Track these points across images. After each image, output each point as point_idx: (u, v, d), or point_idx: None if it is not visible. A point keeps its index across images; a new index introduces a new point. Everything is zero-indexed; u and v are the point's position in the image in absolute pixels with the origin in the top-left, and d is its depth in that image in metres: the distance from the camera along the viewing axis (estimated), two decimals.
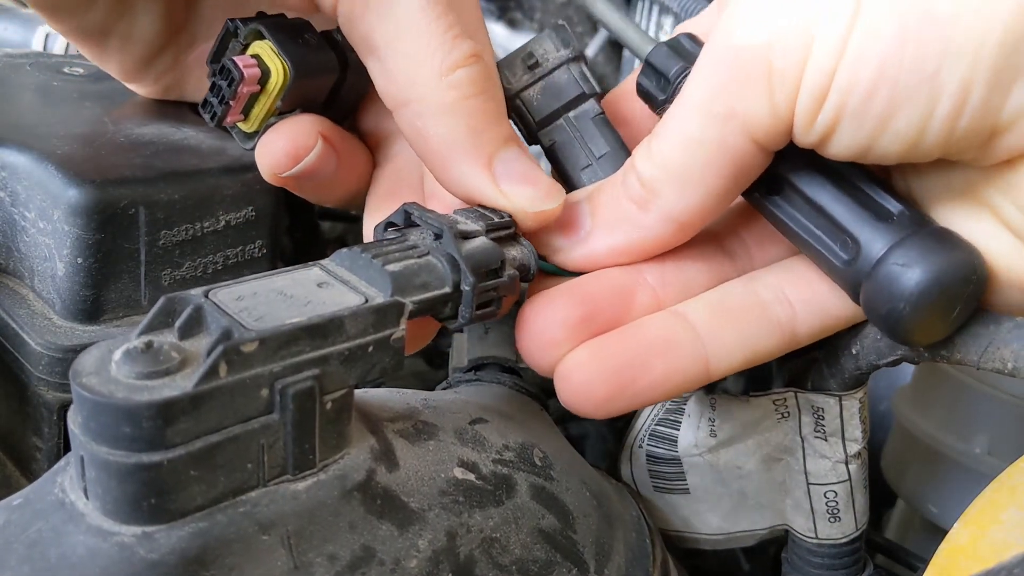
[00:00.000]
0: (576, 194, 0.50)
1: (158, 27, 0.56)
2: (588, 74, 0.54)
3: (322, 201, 0.58)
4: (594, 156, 0.53)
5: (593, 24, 0.96)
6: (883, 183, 0.44)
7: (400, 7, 0.46)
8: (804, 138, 0.42)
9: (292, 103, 0.53)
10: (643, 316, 0.47)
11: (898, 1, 0.39)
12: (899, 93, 0.39)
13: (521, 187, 0.47)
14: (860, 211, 0.43)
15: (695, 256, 0.49)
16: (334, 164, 0.53)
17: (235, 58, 0.50)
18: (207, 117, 0.53)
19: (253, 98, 0.52)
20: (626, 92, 0.56)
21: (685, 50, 0.50)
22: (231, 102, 0.51)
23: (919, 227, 0.42)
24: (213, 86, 0.52)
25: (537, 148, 0.55)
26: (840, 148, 0.42)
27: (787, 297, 0.48)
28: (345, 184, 0.55)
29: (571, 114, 0.54)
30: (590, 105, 0.54)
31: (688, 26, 0.54)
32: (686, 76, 0.49)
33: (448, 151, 0.47)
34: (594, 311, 0.46)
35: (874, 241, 0.42)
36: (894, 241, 0.42)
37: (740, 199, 0.47)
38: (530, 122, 0.54)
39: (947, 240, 0.41)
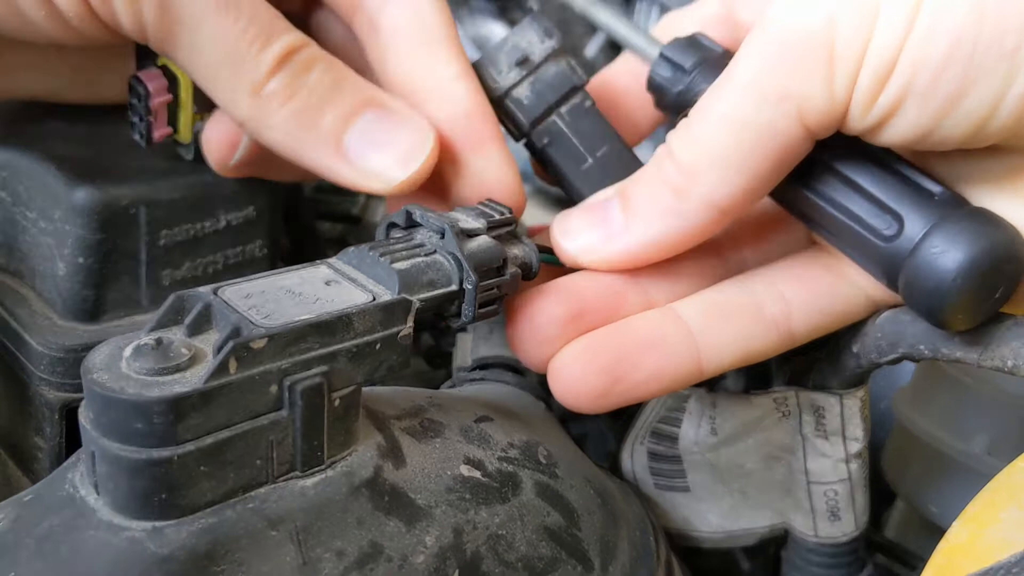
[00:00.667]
0: (604, 192, 0.49)
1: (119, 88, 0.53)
2: (574, 63, 0.52)
3: (308, 177, 0.56)
4: (593, 153, 0.52)
5: (593, 24, 0.96)
6: (916, 166, 0.44)
7: (201, 32, 0.45)
8: (859, 123, 0.41)
9: (209, 106, 0.50)
10: (634, 314, 0.47)
11: None
12: (973, 70, 0.38)
13: (375, 156, 0.47)
14: (903, 189, 0.43)
15: (687, 256, 0.48)
16: None
17: (139, 73, 0.49)
18: (137, 138, 0.51)
19: (173, 108, 0.51)
20: (608, 80, 0.55)
21: (702, 45, 0.50)
22: (150, 117, 0.50)
23: (960, 207, 0.42)
24: (131, 105, 0.51)
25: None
26: (898, 132, 0.40)
27: (783, 295, 0.47)
28: None
29: (563, 109, 0.52)
30: (581, 97, 0.52)
31: (676, 16, 0.54)
32: (703, 68, 0.49)
33: (294, 150, 0.47)
34: (584, 308, 0.46)
35: (918, 219, 0.42)
36: (937, 219, 0.41)
37: None
38: (522, 123, 0.52)
39: (989, 220, 0.41)
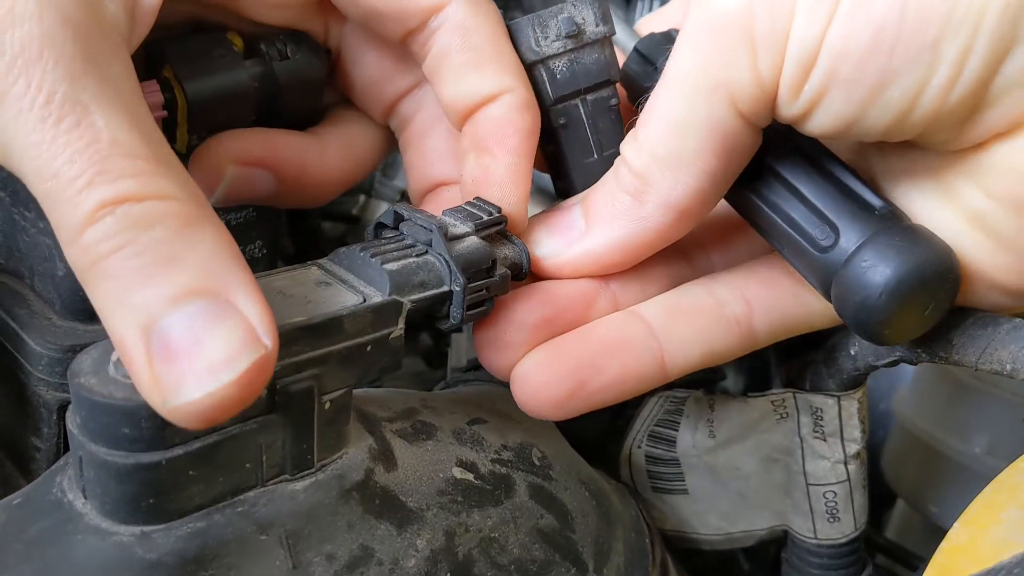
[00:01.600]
0: (568, 201, 0.49)
1: None
2: (615, 58, 0.50)
3: (305, 204, 0.55)
4: (601, 151, 0.51)
5: None
6: (863, 180, 0.44)
7: (15, 151, 0.35)
8: (788, 109, 0.41)
9: (206, 127, 0.49)
10: (602, 316, 0.47)
11: None
12: (896, 61, 0.38)
13: (171, 367, 0.32)
14: (843, 200, 0.43)
15: (655, 260, 0.48)
16: (269, 180, 0.50)
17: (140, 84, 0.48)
18: None
19: (169, 125, 0.49)
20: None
21: (674, 40, 0.49)
22: None
23: (897, 222, 0.42)
24: None
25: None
26: (824, 120, 0.41)
27: (745, 297, 0.47)
28: (316, 186, 0.52)
29: (590, 97, 0.50)
30: (610, 92, 0.51)
31: (651, 19, 0.54)
32: None
33: (102, 313, 0.34)
34: (556, 313, 0.46)
35: (852, 231, 0.42)
36: (871, 233, 0.41)
37: None
38: (547, 95, 0.50)
39: (922, 237, 0.41)
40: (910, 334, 0.43)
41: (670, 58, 0.43)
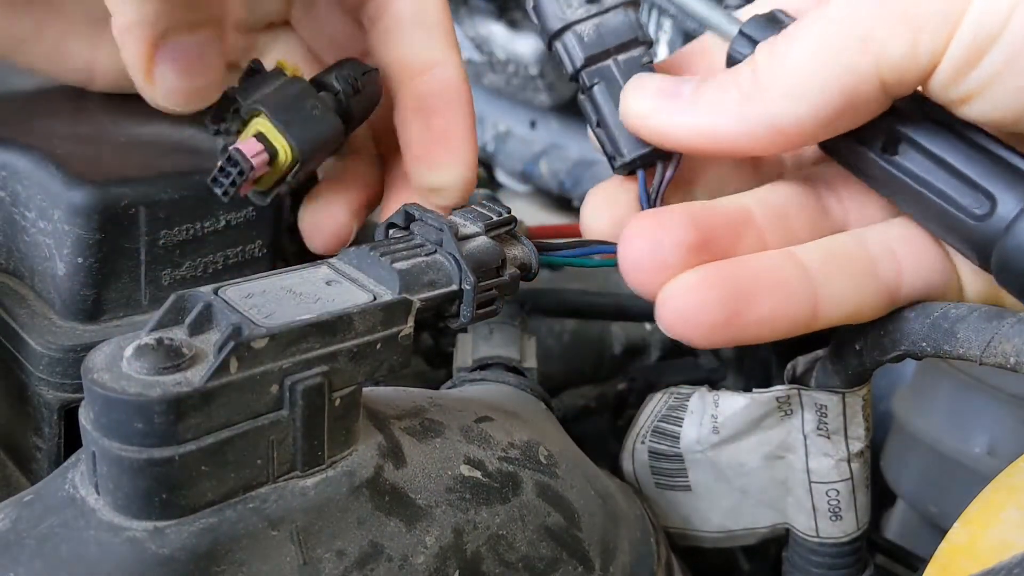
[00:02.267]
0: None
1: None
2: (640, 23, 0.51)
3: None
4: None
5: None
6: (1008, 145, 0.43)
7: None
8: (946, 91, 0.40)
9: (304, 171, 0.52)
10: (749, 253, 0.45)
11: None
12: None
13: (173, 76, 0.48)
14: (994, 167, 0.42)
15: (797, 204, 0.47)
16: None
17: (241, 147, 0.48)
18: (219, 192, 0.50)
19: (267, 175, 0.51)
20: (674, 64, 0.54)
21: (781, 21, 0.48)
22: (243, 184, 0.50)
23: None
24: (222, 169, 0.50)
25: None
26: (989, 108, 0.39)
27: (896, 255, 0.46)
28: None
29: (621, 57, 0.51)
30: (641, 52, 0.51)
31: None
32: None
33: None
34: (709, 238, 0.44)
35: (1011, 198, 0.41)
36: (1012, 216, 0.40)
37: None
38: (578, 56, 0.50)
39: None
40: None
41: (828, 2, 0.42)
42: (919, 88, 0.42)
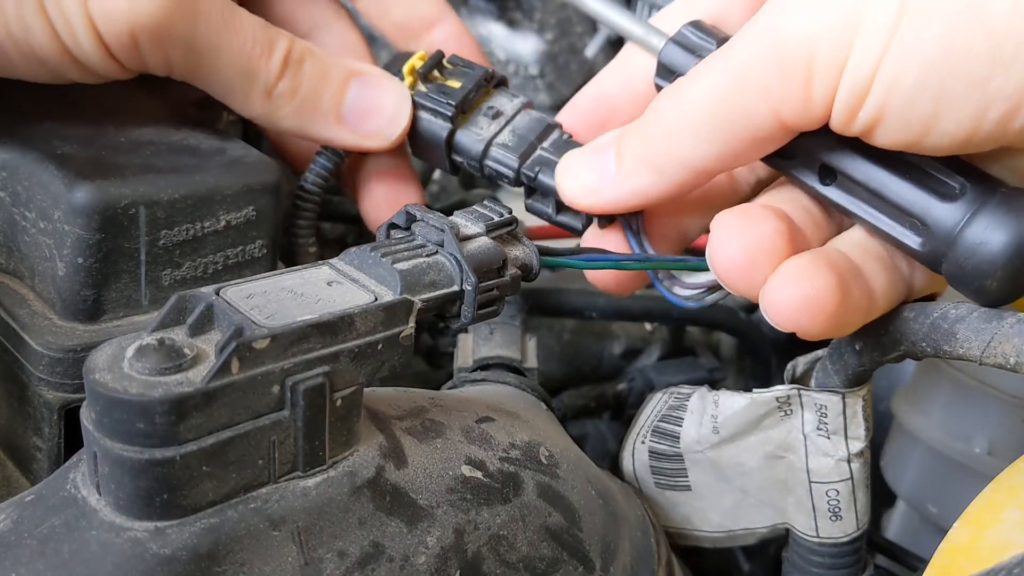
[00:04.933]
0: (606, 135, 0.51)
1: None
2: (542, 114, 0.58)
3: None
4: None
5: (593, 24, 0.96)
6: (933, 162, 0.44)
7: (219, 58, 0.52)
8: (845, 128, 0.42)
9: None
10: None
11: (947, 1, 0.39)
12: (945, 97, 0.39)
13: (370, 121, 0.56)
14: (921, 193, 0.44)
15: (807, 204, 0.49)
16: None
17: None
18: None
19: None
20: (574, 109, 0.58)
21: (694, 43, 0.50)
22: None
23: (987, 197, 0.42)
24: None
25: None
26: (886, 139, 0.42)
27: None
28: None
29: (545, 144, 0.56)
30: (559, 133, 0.57)
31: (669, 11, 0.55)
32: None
33: (305, 130, 0.57)
34: (793, 228, 0.46)
35: (944, 221, 0.43)
36: (964, 219, 0.42)
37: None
38: (512, 161, 0.56)
39: (1016, 205, 0.42)
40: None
41: (731, 42, 0.44)
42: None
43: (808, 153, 0.46)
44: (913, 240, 0.44)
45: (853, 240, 0.48)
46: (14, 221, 0.51)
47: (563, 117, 0.58)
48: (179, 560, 0.33)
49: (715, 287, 0.50)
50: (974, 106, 0.39)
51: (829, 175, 0.46)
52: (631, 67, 0.56)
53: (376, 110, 0.56)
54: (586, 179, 0.50)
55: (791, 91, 0.42)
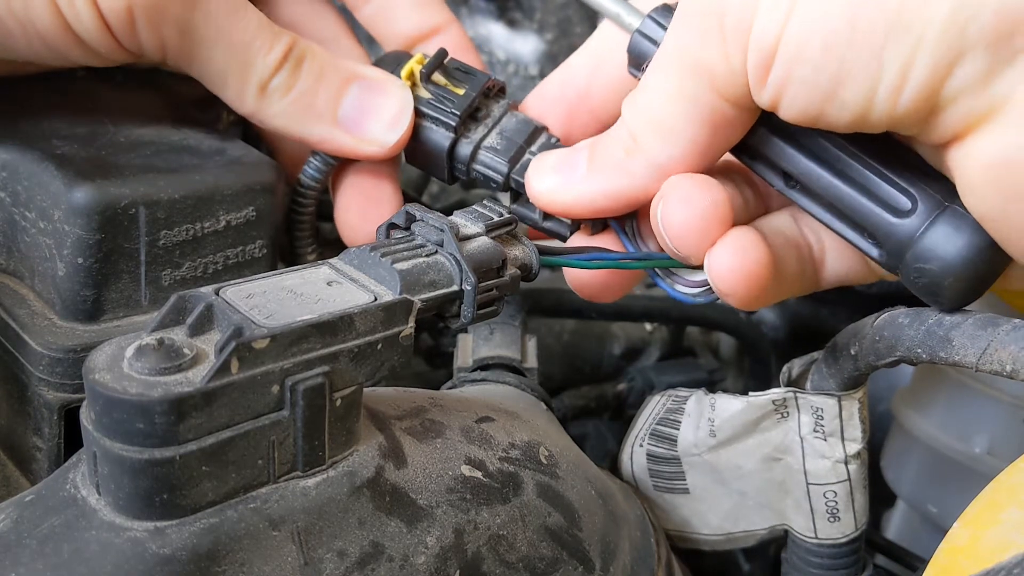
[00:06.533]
0: (583, 142, 0.51)
1: None
2: (529, 117, 0.57)
3: None
4: None
5: (593, 24, 0.96)
6: (895, 163, 0.45)
7: (217, 47, 0.52)
8: (758, 97, 0.43)
9: None
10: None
11: None
12: (845, 67, 0.40)
13: (369, 124, 0.55)
14: (875, 208, 0.45)
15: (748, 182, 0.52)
16: None
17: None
18: None
19: None
20: (542, 95, 0.58)
21: (658, 32, 0.50)
22: None
23: (936, 214, 0.44)
24: None
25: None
26: (792, 111, 0.43)
27: (823, 243, 0.50)
28: None
29: (534, 148, 0.56)
30: (546, 137, 0.56)
31: None
32: None
33: (298, 130, 0.55)
34: (736, 202, 0.48)
35: (897, 236, 0.44)
36: (914, 235, 0.44)
37: None
38: (501, 164, 0.55)
39: (961, 222, 0.43)
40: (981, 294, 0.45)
41: (667, 34, 0.46)
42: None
43: (769, 158, 0.47)
44: (872, 251, 0.46)
45: (776, 226, 0.50)
46: (14, 221, 0.51)
47: (530, 102, 0.58)
48: (179, 560, 0.33)
49: None
50: (870, 76, 0.40)
51: (790, 180, 0.47)
52: (601, 51, 0.56)
53: (375, 115, 0.55)
54: (553, 180, 0.50)
55: (714, 56, 0.43)
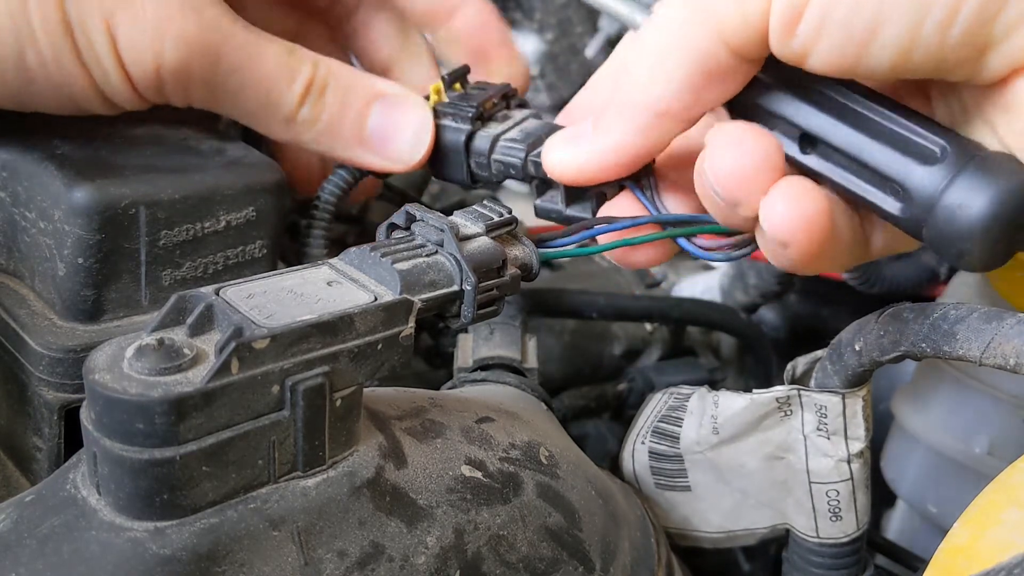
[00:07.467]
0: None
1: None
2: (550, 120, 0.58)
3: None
4: None
5: (593, 24, 0.96)
6: (918, 115, 0.43)
7: (243, 90, 0.53)
8: (783, 49, 0.42)
9: None
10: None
11: None
12: (885, 6, 0.39)
13: (393, 143, 0.57)
14: (901, 157, 0.43)
15: None
16: None
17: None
18: None
19: None
20: (569, 113, 0.58)
21: None
22: None
23: (967, 160, 0.41)
24: None
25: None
26: (824, 59, 0.41)
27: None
28: None
29: None
30: None
31: None
32: None
33: (328, 152, 0.57)
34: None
35: (924, 185, 0.42)
36: (944, 184, 0.41)
37: None
38: (517, 149, 0.55)
39: (996, 169, 0.41)
40: (1007, 259, 0.42)
41: None
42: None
43: (786, 117, 0.45)
44: (893, 206, 0.43)
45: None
46: (14, 221, 0.51)
47: (560, 121, 0.57)
48: (179, 560, 0.33)
49: (740, 244, 0.48)
50: (915, 12, 0.38)
51: (809, 143, 0.45)
52: (623, 62, 0.55)
53: (399, 133, 0.57)
54: (565, 147, 0.50)
55: (726, 5, 0.42)
